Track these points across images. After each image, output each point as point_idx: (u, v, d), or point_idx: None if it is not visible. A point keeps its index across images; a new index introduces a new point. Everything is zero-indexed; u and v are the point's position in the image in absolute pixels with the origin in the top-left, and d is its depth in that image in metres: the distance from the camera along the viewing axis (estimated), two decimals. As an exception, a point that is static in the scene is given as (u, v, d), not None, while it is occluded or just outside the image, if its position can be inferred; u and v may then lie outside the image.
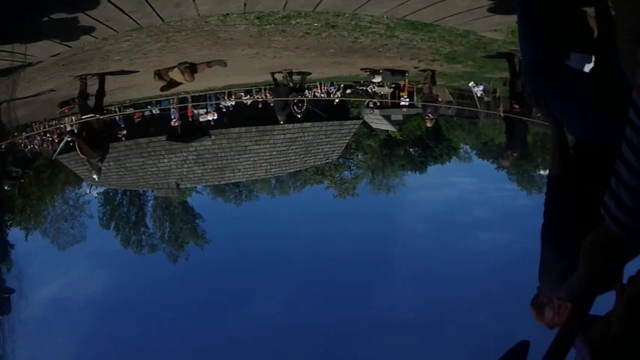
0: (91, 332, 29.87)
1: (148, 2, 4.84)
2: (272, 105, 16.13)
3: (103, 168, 10.58)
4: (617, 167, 1.34)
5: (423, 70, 14.11)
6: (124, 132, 25.80)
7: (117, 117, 24.30)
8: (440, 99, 16.44)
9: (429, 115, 16.03)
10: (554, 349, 1.77)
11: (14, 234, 28.68)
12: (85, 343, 28.83)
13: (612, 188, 1.37)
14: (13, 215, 28.16)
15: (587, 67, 2.46)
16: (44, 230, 31.75)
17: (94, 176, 10.42)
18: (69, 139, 19.96)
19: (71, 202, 34.19)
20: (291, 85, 14.73)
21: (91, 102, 9.79)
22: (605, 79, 2.25)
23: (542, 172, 35.50)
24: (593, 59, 2.46)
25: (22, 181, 23.74)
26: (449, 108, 30.42)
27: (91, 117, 9.44)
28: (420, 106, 27.62)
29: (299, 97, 16.80)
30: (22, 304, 24.59)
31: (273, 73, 14.64)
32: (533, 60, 2.63)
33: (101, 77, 9.77)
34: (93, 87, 9.77)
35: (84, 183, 32.25)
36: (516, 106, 10.18)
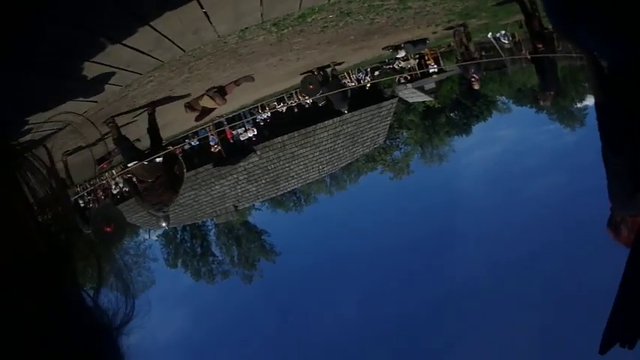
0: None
1: (166, 37, 4.71)
2: (326, 100, 15.75)
3: (169, 212, 10.12)
4: None
5: (450, 28, 13.33)
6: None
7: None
8: (479, 55, 15.04)
9: (474, 76, 14.36)
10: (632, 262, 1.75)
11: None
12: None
13: None
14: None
15: None
16: (111, 286, 32.31)
17: (163, 224, 9.97)
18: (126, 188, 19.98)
19: (132, 251, 34.66)
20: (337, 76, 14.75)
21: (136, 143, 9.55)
22: None
23: (579, 105, 35.15)
24: None
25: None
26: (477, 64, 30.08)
27: (135, 163, 9.18)
28: (453, 69, 27.31)
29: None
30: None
31: (318, 68, 14.42)
32: None
33: (151, 112, 9.31)
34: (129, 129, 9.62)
35: (140, 230, 32.56)
36: (540, 45, 10.00)
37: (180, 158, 9.43)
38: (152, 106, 9.08)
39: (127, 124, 9.43)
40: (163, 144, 9.88)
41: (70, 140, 8.16)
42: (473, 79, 14.45)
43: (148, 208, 9.08)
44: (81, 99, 5.48)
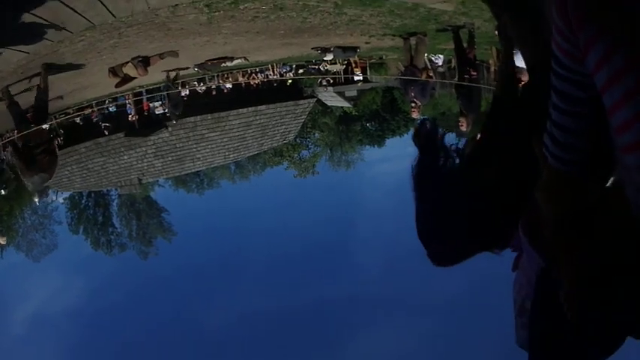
0: (75, 341, 29.90)
1: (99, 0, 4.97)
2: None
3: (46, 184, 9.47)
4: (549, 111, 1.51)
5: (401, 36, 11.48)
6: (81, 134, 25.53)
7: (75, 119, 24.02)
8: (429, 74, 12.48)
9: (415, 100, 11.61)
10: None
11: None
12: (72, 352, 28.86)
13: (547, 129, 1.54)
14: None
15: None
16: (17, 244, 31.41)
17: (35, 199, 9.48)
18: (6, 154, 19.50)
19: (40, 211, 33.72)
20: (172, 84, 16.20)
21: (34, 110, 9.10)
22: None
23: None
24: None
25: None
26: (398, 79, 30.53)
27: (31, 129, 8.64)
28: (379, 82, 27.72)
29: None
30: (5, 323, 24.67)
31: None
32: None
33: (43, 81, 8.83)
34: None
35: (50, 190, 31.78)
36: (473, 73, 10.30)
37: (54, 144, 8.97)
38: (46, 70, 8.29)
39: (25, 90, 9.20)
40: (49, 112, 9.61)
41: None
42: (412, 105, 12.14)
43: (28, 177, 8.64)
44: (16, 48, 5.63)
